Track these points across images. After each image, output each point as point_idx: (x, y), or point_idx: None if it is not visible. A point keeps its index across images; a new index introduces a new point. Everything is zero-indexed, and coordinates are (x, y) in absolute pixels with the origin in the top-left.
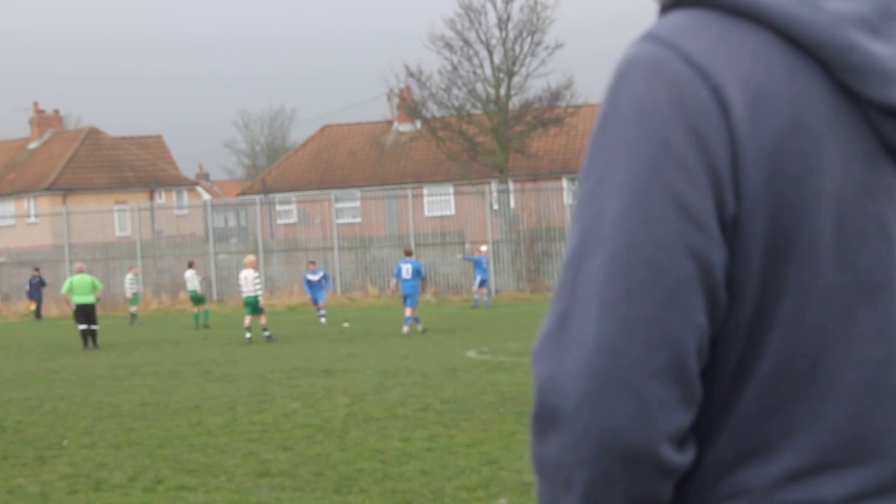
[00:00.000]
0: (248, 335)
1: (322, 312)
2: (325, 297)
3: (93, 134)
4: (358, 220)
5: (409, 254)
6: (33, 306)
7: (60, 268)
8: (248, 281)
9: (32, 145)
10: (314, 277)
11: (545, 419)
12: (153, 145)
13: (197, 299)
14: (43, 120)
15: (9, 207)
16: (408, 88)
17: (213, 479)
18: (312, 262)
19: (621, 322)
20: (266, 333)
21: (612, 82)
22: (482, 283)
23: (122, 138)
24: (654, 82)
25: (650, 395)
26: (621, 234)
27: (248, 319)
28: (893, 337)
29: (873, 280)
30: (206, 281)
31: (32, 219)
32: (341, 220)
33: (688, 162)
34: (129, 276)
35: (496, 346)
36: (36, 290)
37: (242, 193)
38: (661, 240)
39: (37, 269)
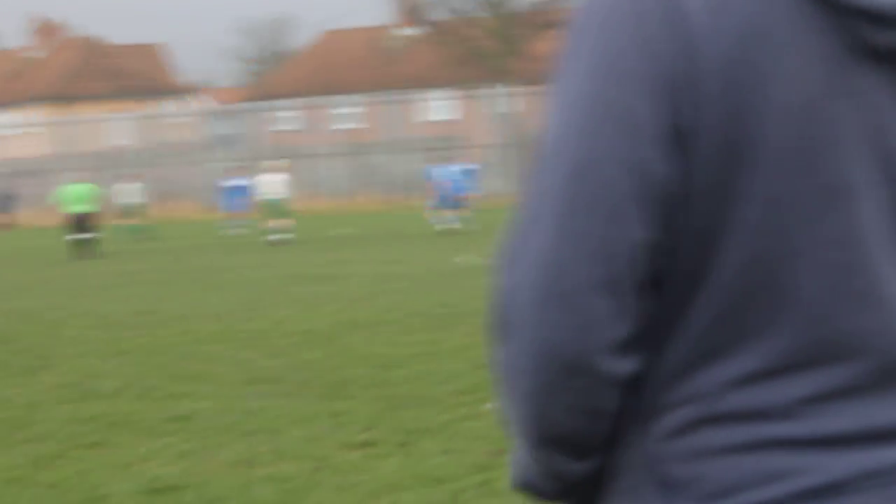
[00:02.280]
0: (270, 237)
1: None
2: (246, 206)
3: (93, 43)
4: (360, 125)
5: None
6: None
7: (63, 177)
8: (276, 184)
9: (34, 55)
10: (232, 184)
11: (501, 328)
12: (154, 54)
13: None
14: (45, 29)
15: (9, 117)
16: None
17: (203, 386)
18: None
19: (565, 236)
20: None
21: None
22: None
23: (123, 46)
24: None
25: (588, 307)
26: (570, 149)
27: (271, 222)
28: (859, 240)
29: (841, 183)
30: (207, 189)
31: (35, 128)
32: (343, 126)
33: (640, 74)
34: (133, 186)
35: (488, 250)
36: (3, 200)
37: (244, 100)
38: (604, 156)
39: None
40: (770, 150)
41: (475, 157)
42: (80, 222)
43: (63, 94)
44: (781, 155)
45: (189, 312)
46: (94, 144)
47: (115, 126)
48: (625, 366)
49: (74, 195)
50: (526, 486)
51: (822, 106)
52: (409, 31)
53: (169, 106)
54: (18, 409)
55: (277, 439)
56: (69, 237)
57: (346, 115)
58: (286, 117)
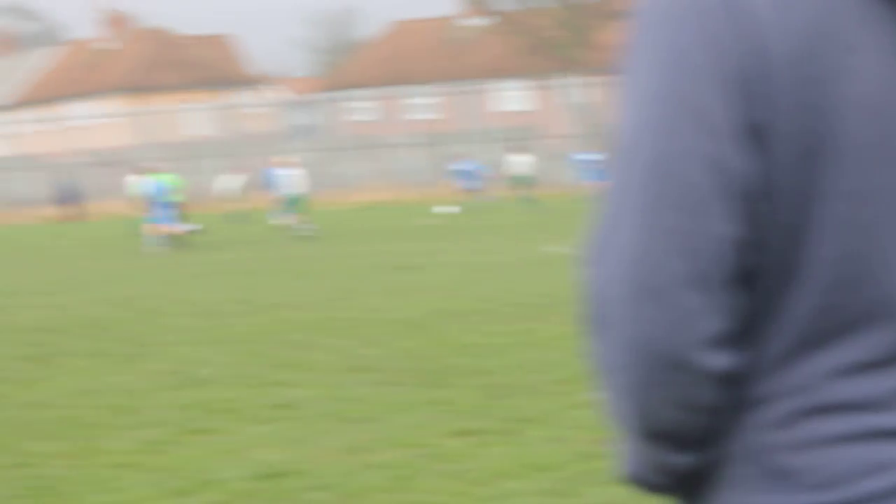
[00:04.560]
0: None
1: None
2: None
3: (165, 34)
4: (432, 115)
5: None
6: (67, 212)
7: (143, 167)
8: (293, 179)
9: (105, 46)
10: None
11: (596, 323)
12: (227, 44)
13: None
14: (115, 20)
15: (84, 108)
16: None
17: (307, 374)
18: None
19: (651, 232)
20: (305, 228)
21: None
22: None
23: (196, 38)
24: None
25: (681, 303)
26: (648, 146)
27: (293, 217)
28: None
29: None
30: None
31: (106, 119)
32: (415, 116)
33: (709, 70)
34: (228, 178)
35: (576, 239)
36: (65, 193)
37: (317, 91)
38: (684, 152)
39: (64, 173)
40: (850, 145)
41: (553, 147)
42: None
43: (137, 85)
44: (862, 150)
45: (283, 301)
46: (172, 135)
47: (192, 117)
48: (721, 360)
49: (167, 185)
50: (633, 478)
51: None
52: (477, 22)
53: (242, 96)
54: (122, 395)
55: (382, 427)
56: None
57: (421, 105)
58: (362, 107)
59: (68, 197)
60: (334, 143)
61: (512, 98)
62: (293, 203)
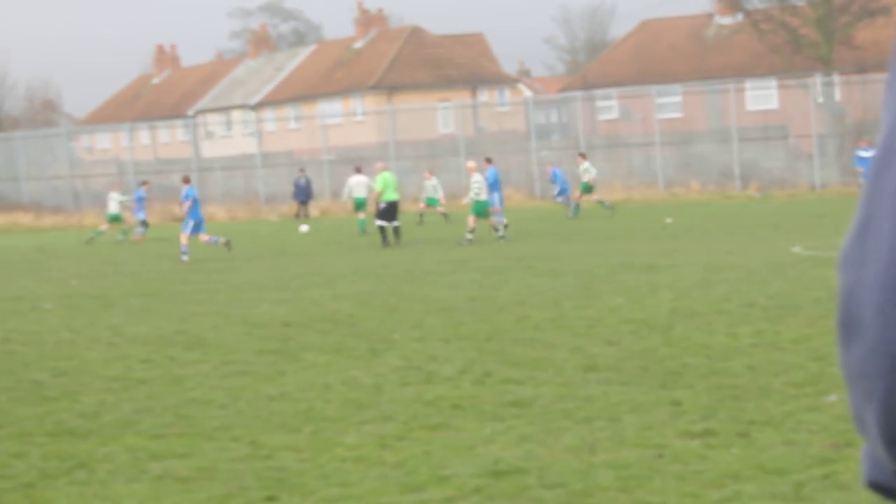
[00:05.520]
0: (469, 237)
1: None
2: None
3: (416, 33)
4: (679, 115)
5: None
6: (300, 209)
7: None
8: (482, 185)
9: (357, 45)
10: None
11: (847, 328)
12: (475, 43)
13: (361, 206)
14: (367, 19)
15: (336, 106)
16: None
17: (541, 372)
18: (145, 182)
19: None
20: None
21: None
22: (561, 193)
23: (445, 36)
24: None
25: None
26: None
27: (473, 220)
28: None
29: None
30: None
31: (359, 117)
32: (662, 116)
33: None
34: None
35: (822, 241)
36: (301, 191)
37: (563, 90)
38: None
39: (301, 170)
40: None
41: (804, 147)
42: (392, 210)
43: (385, 84)
44: None
45: (524, 299)
46: (418, 133)
47: (437, 115)
48: None
49: (389, 184)
50: (877, 485)
51: None
52: (727, 20)
53: (491, 95)
54: (363, 390)
55: (617, 426)
56: (380, 223)
57: (666, 104)
58: (606, 106)
59: (301, 194)
60: (579, 141)
61: (757, 97)
62: (477, 208)
